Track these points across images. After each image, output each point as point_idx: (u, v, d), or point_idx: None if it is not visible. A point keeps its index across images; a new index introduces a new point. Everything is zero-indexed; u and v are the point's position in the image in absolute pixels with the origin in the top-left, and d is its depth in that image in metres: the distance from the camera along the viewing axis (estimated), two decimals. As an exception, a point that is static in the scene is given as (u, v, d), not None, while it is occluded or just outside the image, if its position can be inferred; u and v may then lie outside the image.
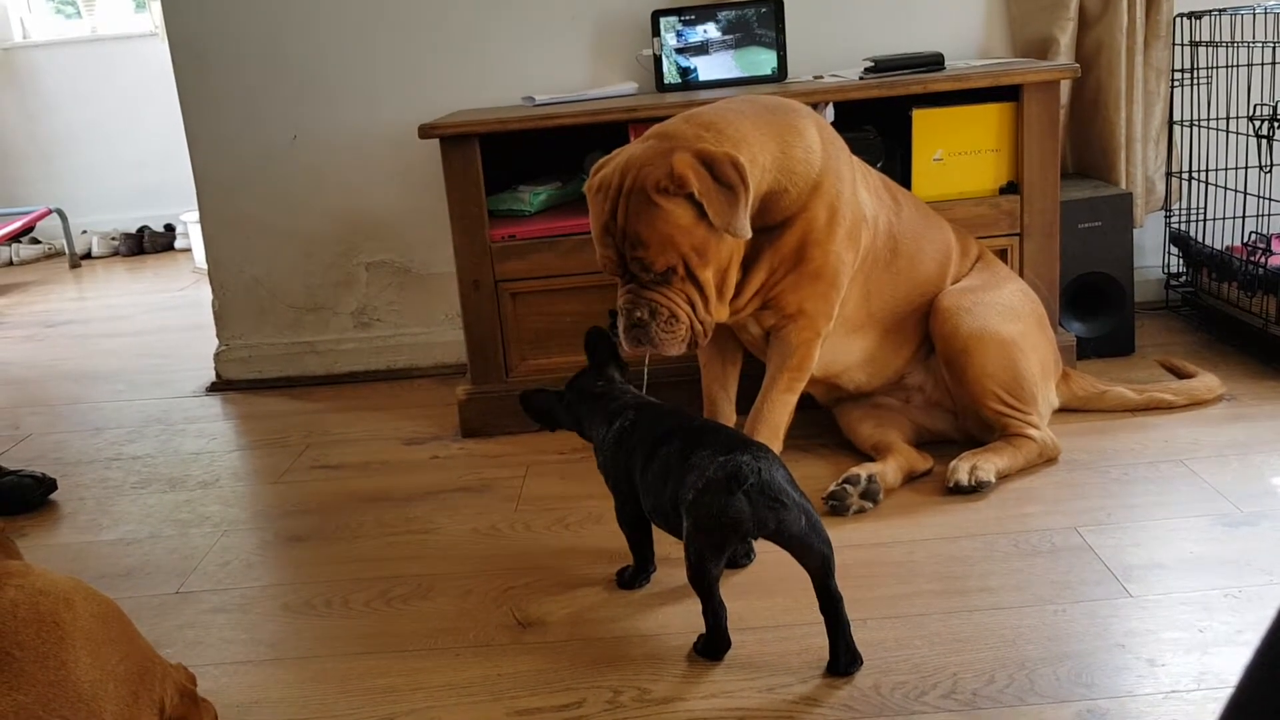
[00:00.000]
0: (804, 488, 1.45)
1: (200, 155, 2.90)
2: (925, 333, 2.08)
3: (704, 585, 1.44)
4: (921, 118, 2.33)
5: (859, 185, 1.97)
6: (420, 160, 2.80)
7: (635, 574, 1.68)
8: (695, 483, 1.44)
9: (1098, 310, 2.54)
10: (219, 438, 2.62)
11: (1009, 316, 2.01)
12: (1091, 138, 2.70)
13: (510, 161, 2.57)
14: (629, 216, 1.74)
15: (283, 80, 2.83)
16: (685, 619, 1.56)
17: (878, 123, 2.42)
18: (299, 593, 1.77)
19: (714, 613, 1.45)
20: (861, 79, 2.38)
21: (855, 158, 2.02)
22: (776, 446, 1.92)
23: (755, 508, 1.38)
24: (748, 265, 1.88)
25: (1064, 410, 2.17)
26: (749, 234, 1.75)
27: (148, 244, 5.45)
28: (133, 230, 5.49)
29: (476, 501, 2.09)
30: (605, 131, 2.41)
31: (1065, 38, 2.63)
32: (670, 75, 2.67)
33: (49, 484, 2.27)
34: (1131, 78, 2.64)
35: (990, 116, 2.33)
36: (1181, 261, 2.81)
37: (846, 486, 1.87)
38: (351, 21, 2.79)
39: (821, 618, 1.42)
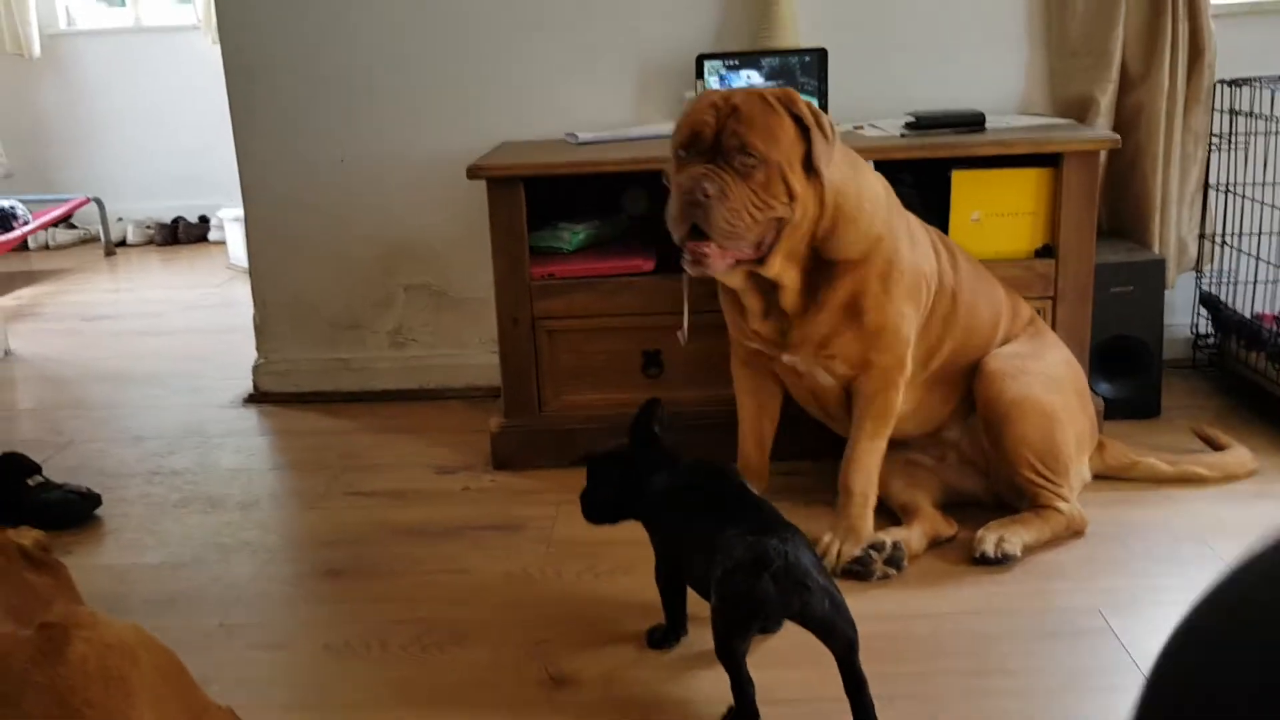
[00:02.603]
0: (837, 569, 1.49)
1: (249, 172, 2.95)
2: (970, 389, 2.11)
3: (732, 662, 1.49)
4: (961, 179, 2.37)
5: (916, 240, 2.02)
6: (461, 187, 2.82)
7: (667, 634, 1.73)
8: (723, 562, 1.49)
9: (1125, 372, 2.57)
10: (257, 454, 2.68)
11: (1052, 387, 2.05)
12: (1127, 198, 2.73)
13: (550, 196, 2.60)
14: (743, 101, 1.84)
15: (333, 103, 2.88)
16: (715, 685, 1.60)
17: (914, 173, 2.45)
18: (338, 631, 1.83)
19: (742, 688, 1.50)
20: (902, 135, 2.42)
21: (909, 212, 2.07)
22: (872, 490, 2.00)
23: (780, 591, 1.44)
24: (808, 293, 1.95)
25: (1096, 477, 2.19)
26: (829, 181, 1.86)
27: (182, 234, 5.53)
28: (167, 220, 5.57)
29: (508, 541, 2.14)
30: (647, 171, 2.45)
31: (1105, 98, 2.66)
32: (713, 118, 2.70)
33: (94, 499, 2.33)
34: (1170, 141, 2.66)
35: (1029, 180, 2.36)
36: (1210, 323, 2.83)
37: (871, 552, 1.91)
38: (401, 49, 2.84)
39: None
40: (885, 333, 1.96)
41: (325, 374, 3.05)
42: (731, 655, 1.48)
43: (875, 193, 1.97)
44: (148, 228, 5.56)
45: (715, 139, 1.82)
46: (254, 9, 2.84)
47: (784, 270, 1.92)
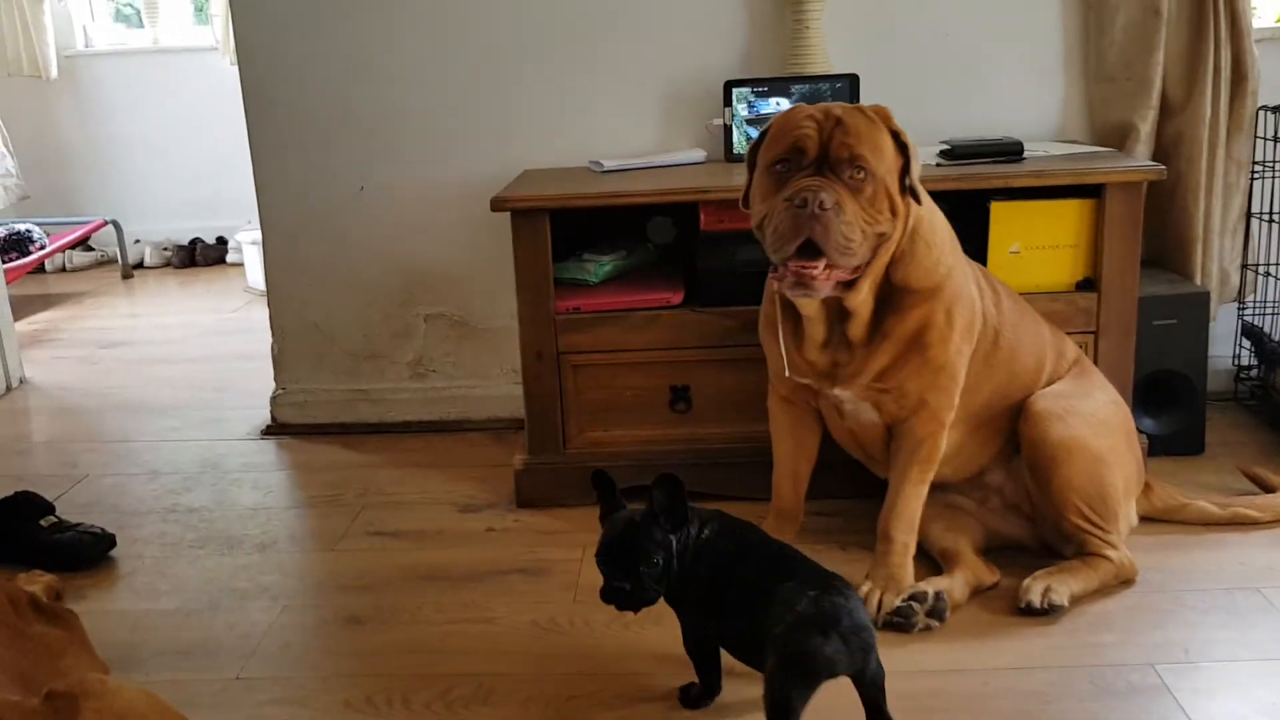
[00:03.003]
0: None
1: (268, 201, 2.91)
2: (1013, 431, 2.04)
3: None
4: (1000, 210, 2.30)
5: (967, 275, 1.96)
6: (482, 215, 2.76)
7: (701, 696, 1.66)
8: (785, 616, 1.43)
9: (1167, 407, 2.49)
10: (275, 490, 2.62)
11: (1100, 430, 1.97)
12: (1167, 227, 2.65)
13: (574, 225, 2.54)
14: (845, 113, 1.77)
15: (352, 132, 2.83)
16: (753, 748, 1.54)
17: (949, 204, 2.37)
18: (359, 686, 1.76)
19: (794, 748, 1.44)
20: (937, 165, 2.35)
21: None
22: (912, 538, 1.94)
23: (850, 650, 1.40)
24: (873, 323, 1.89)
25: (1143, 520, 2.11)
26: (919, 201, 1.82)
27: (199, 256, 5.49)
28: (185, 242, 5.54)
29: (534, 587, 2.07)
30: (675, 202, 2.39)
31: (1146, 126, 2.58)
32: (740, 146, 2.64)
33: (108, 540, 2.27)
34: (1212, 170, 2.59)
35: (1070, 212, 2.29)
36: (1253, 355, 2.75)
37: (913, 604, 1.83)
38: (421, 76, 2.79)
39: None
40: (945, 371, 1.89)
41: (344, 405, 2.99)
42: (788, 714, 1.41)
43: (944, 221, 1.93)
44: (165, 250, 5.53)
45: (821, 151, 1.75)
46: (272, 32, 2.80)
47: (865, 297, 1.85)
